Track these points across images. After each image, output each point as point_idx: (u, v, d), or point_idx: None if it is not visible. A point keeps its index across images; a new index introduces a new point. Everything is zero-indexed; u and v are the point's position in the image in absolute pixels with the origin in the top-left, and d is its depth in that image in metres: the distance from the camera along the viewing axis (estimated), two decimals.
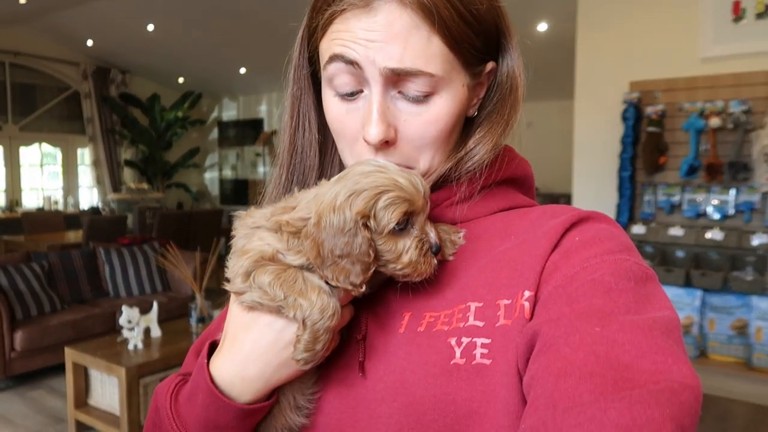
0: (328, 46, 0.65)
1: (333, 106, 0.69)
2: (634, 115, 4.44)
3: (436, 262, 0.62)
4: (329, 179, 0.63)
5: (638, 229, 4.44)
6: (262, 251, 0.61)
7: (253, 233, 0.63)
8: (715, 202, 4.23)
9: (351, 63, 0.63)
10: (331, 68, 0.65)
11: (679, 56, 4.39)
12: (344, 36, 0.63)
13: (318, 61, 0.70)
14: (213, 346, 0.68)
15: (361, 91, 0.66)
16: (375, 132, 0.64)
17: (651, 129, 4.36)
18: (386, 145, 0.66)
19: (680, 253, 4.40)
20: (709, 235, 4.13)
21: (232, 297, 0.65)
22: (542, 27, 6.87)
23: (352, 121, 0.67)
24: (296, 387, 0.65)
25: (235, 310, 0.65)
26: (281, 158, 0.77)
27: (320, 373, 0.67)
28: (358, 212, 0.58)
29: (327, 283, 0.60)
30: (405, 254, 0.60)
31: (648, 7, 4.54)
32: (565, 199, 7.55)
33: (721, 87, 4.18)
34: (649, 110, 4.39)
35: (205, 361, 0.65)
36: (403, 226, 0.60)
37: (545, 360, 0.50)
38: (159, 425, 0.66)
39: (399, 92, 0.64)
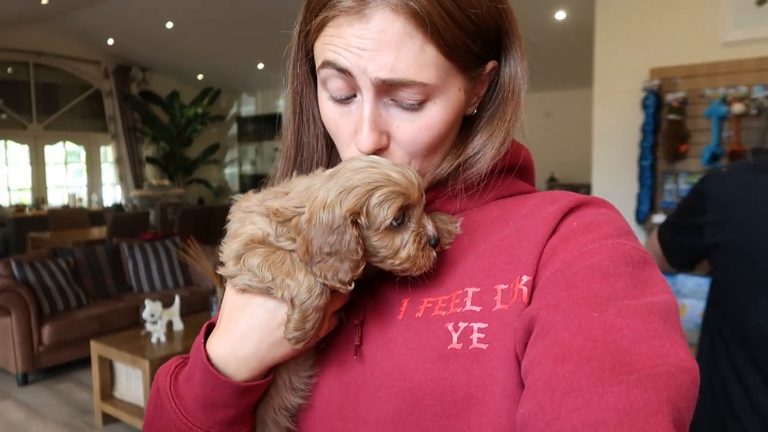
0: (321, 50, 0.65)
1: (327, 109, 0.68)
2: (655, 102, 4.36)
3: (435, 254, 0.62)
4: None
5: (659, 218, 4.38)
6: (252, 234, 0.62)
7: (246, 217, 0.64)
8: None
9: (342, 71, 0.62)
10: (323, 73, 0.65)
11: (700, 41, 4.30)
12: (336, 42, 0.62)
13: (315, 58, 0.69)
14: (210, 328, 0.70)
15: (354, 96, 0.66)
16: (366, 142, 0.63)
17: (672, 116, 4.28)
18: (379, 151, 0.65)
19: None
20: None
21: (227, 283, 0.66)
22: (560, 15, 6.78)
23: (346, 124, 0.67)
24: (292, 368, 0.66)
25: (229, 292, 0.66)
26: (285, 155, 0.77)
27: (319, 356, 0.68)
28: (348, 210, 0.57)
29: None
30: (403, 249, 0.60)
31: None
32: (585, 189, 7.47)
33: (743, 72, 4.09)
34: (670, 97, 4.31)
35: (202, 340, 0.66)
36: (400, 221, 0.60)
37: (543, 345, 0.50)
38: (160, 405, 0.67)
39: (392, 99, 0.64)
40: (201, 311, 5.11)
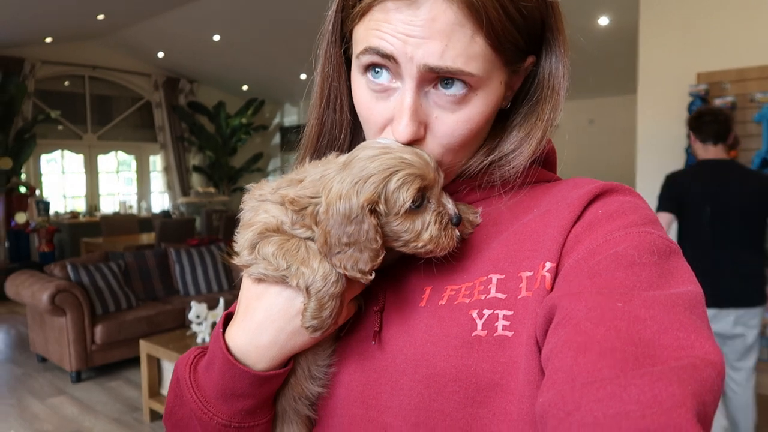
0: (364, 35, 0.63)
1: (362, 93, 0.67)
2: None
3: (458, 233, 0.61)
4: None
5: None
6: (266, 223, 0.62)
7: (259, 206, 0.64)
8: None
9: (387, 57, 0.61)
10: (365, 58, 0.63)
11: (750, 44, 4.18)
12: (383, 27, 0.60)
13: (351, 41, 0.67)
14: (228, 318, 0.69)
15: (394, 82, 0.64)
16: (405, 131, 0.62)
17: None
18: (414, 142, 0.63)
19: None
20: None
21: (243, 272, 0.65)
22: (603, 21, 6.70)
23: (380, 110, 0.65)
24: (311, 357, 0.66)
25: (246, 282, 0.65)
26: (307, 139, 0.76)
27: (339, 345, 0.67)
28: (366, 199, 0.57)
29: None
30: (425, 231, 0.59)
31: None
32: None
33: None
34: (718, 102, 4.21)
35: (221, 330, 0.65)
36: (419, 203, 0.59)
37: (564, 333, 0.49)
38: (180, 396, 0.66)
39: (434, 88, 0.62)
40: None
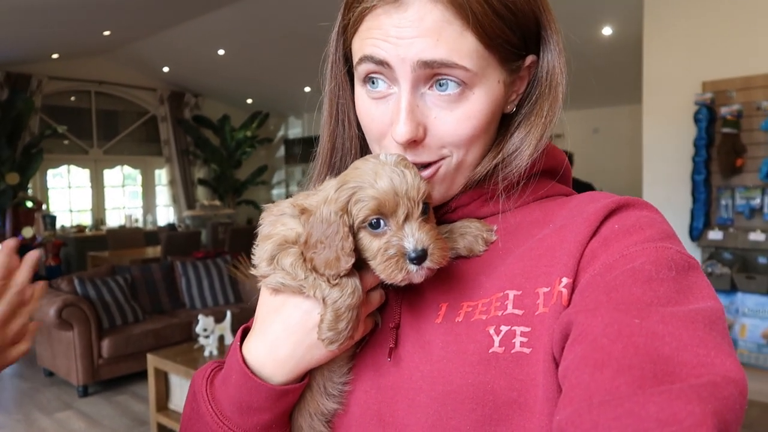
0: (360, 45, 0.65)
1: (363, 103, 0.68)
2: (708, 116, 4.26)
3: (413, 268, 0.59)
4: None
5: (715, 234, 4.24)
6: (285, 235, 0.63)
7: (277, 220, 0.65)
8: None
9: (381, 63, 0.62)
10: (362, 68, 0.65)
11: (756, 52, 4.19)
12: (375, 34, 0.62)
13: (352, 58, 0.69)
14: (246, 331, 0.69)
15: (392, 89, 0.65)
16: (403, 131, 0.62)
17: (726, 130, 4.18)
18: (414, 143, 0.64)
19: (763, 260, 4.16)
20: None
21: (260, 284, 0.66)
22: (607, 31, 6.72)
23: (380, 118, 0.66)
24: (327, 374, 0.66)
25: (264, 294, 0.66)
26: (321, 156, 0.77)
27: (355, 362, 0.67)
28: (338, 206, 0.59)
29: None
30: (378, 256, 0.59)
31: (719, 3, 4.36)
32: None
33: None
34: (724, 111, 4.21)
35: (238, 343, 0.66)
36: (377, 227, 0.60)
37: (581, 350, 0.48)
38: (196, 409, 0.66)
39: (430, 88, 0.63)
40: None
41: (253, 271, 0.65)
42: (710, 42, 4.40)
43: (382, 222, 0.59)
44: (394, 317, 0.66)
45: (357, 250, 0.61)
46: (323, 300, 0.59)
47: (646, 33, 4.77)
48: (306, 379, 0.65)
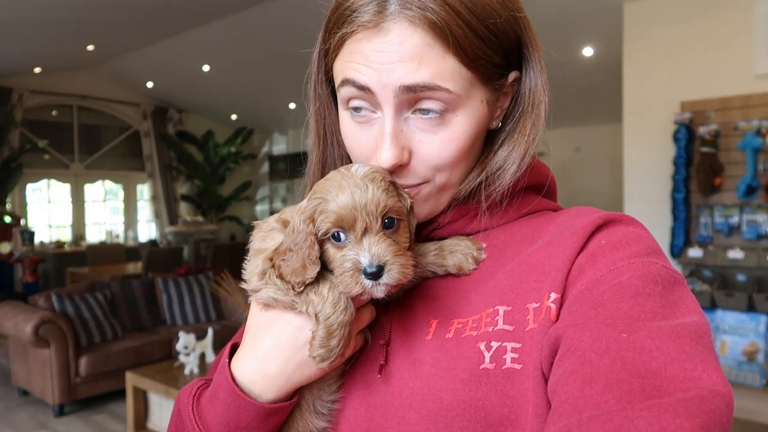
0: (341, 68, 0.64)
1: (347, 126, 0.68)
2: (686, 135, 4.35)
3: (368, 283, 0.57)
4: None
5: (695, 252, 4.30)
6: (276, 250, 0.63)
7: (267, 235, 0.66)
8: None
9: (362, 88, 0.62)
10: (344, 91, 0.65)
11: (733, 74, 4.30)
12: (356, 59, 0.62)
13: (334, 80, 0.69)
14: (234, 348, 0.68)
15: (375, 113, 0.65)
16: (388, 156, 0.62)
17: (705, 149, 4.26)
18: (400, 167, 0.64)
19: (741, 277, 4.22)
20: None
21: (251, 298, 0.66)
22: (588, 52, 6.85)
23: (365, 141, 0.66)
24: (316, 392, 0.65)
25: (254, 310, 0.65)
26: (312, 176, 0.77)
27: (344, 380, 0.66)
28: (306, 215, 0.60)
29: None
30: (337, 268, 0.59)
31: (697, 26, 4.48)
32: None
33: None
34: (702, 130, 4.29)
35: (227, 360, 0.65)
36: (338, 239, 0.60)
37: (570, 365, 0.49)
38: (181, 428, 0.64)
39: (413, 112, 0.63)
40: None
41: (243, 286, 0.65)
42: (689, 63, 4.51)
43: (342, 235, 0.59)
44: (384, 334, 0.66)
45: (324, 261, 0.61)
46: (315, 316, 0.59)
47: (626, 54, 4.87)
48: (295, 398, 0.64)
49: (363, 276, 0.57)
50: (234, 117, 12.11)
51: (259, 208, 13.46)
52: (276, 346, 0.62)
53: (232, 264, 7.95)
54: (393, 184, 0.62)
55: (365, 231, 0.58)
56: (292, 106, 10.88)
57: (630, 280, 0.54)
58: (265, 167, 13.34)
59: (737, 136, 4.20)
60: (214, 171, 11.87)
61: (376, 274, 0.57)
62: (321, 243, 0.60)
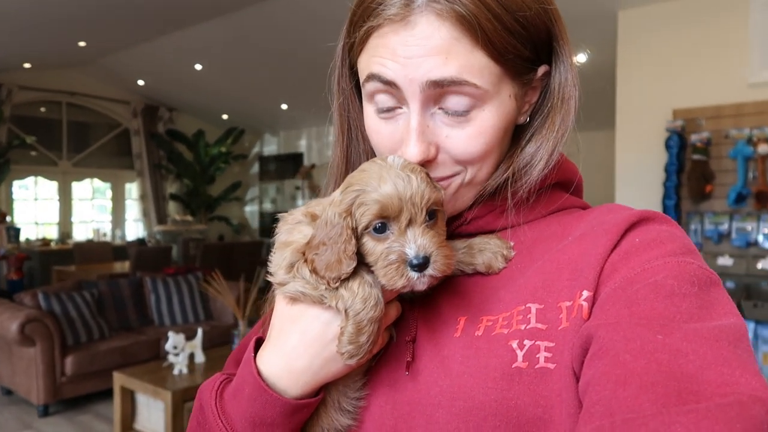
0: (366, 63, 0.63)
1: (372, 121, 0.67)
2: (678, 143, 4.38)
3: (414, 275, 0.56)
4: None
5: None
6: (303, 243, 0.62)
7: (294, 228, 0.64)
8: (767, 230, 4.10)
9: (388, 83, 0.61)
10: (369, 86, 0.64)
11: (725, 82, 4.34)
12: (382, 53, 0.61)
13: (359, 74, 0.68)
14: (259, 342, 0.67)
15: (400, 108, 0.64)
16: (414, 152, 0.62)
17: (696, 157, 4.30)
18: (427, 162, 0.63)
19: (730, 284, 4.26)
20: (760, 264, 4.00)
21: (277, 291, 0.64)
22: (580, 58, 6.89)
23: (390, 136, 0.65)
24: (341, 389, 0.64)
25: (281, 304, 0.64)
26: (336, 170, 0.75)
27: (369, 377, 0.65)
28: (343, 208, 0.58)
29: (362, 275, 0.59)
30: (380, 260, 0.58)
31: (691, 34, 4.52)
32: None
33: None
34: (694, 138, 4.33)
35: (252, 355, 0.63)
36: (380, 231, 0.58)
37: (602, 365, 0.47)
38: (203, 424, 0.63)
39: (440, 108, 0.62)
40: (222, 345, 5.11)
41: (269, 278, 0.64)
42: (681, 71, 4.55)
43: (385, 226, 0.58)
44: (409, 331, 0.65)
45: (361, 254, 0.59)
46: (345, 312, 0.58)
47: (619, 61, 4.90)
48: (321, 394, 0.63)
49: (409, 268, 0.56)
50: (225, 117, 12.05)
51: (249, 208, 13.39)
52: (303, 341, 0.61)
53: (221, 264, 7.90)
54: (428, 175, 0.61)
55: (409, 223, 0.57)
56: (284, 107, 10.85)
57: (665, 279, 0.52)
58: (256, 168, 13.28)
59: (728, 145, 4.25)
60: (204, 171, 11.79)
61: (422, 266, 0.56)
62: (357, 237, 0.59)
